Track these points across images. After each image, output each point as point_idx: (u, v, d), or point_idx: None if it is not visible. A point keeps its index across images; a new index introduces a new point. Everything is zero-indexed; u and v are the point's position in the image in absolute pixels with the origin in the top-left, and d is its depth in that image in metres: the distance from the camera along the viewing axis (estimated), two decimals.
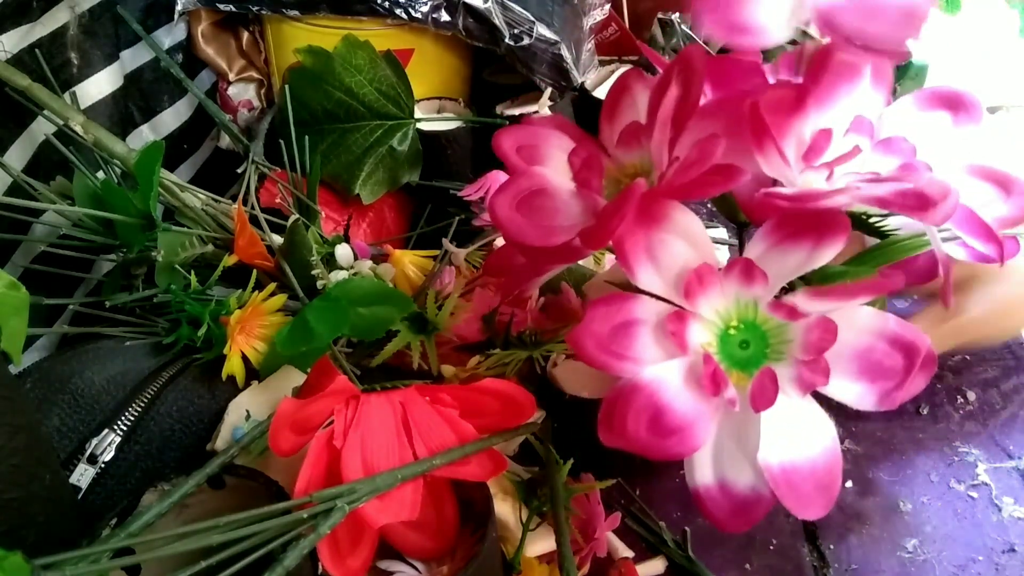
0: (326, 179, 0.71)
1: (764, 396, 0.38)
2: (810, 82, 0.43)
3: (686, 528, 0.51)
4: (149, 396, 0.50)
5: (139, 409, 0.49)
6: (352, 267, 0.59)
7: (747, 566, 0.50)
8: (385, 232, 0.73)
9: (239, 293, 0.53)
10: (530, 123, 0.49)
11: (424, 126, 0.73)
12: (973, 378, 0.61)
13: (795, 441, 0.38)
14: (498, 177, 0.65)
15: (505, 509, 0.51)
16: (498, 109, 0.79)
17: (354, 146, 0.71)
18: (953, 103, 0.44)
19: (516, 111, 0.78)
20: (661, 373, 0.39)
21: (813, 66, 0.43)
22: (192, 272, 0.54)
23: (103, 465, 0.47)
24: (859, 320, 0.39)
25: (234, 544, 0.35)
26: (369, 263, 0.60)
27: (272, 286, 0.53)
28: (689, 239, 0.40)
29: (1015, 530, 0.50)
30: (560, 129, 0.48)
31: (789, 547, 0.51)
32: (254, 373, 0.53)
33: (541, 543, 0.51)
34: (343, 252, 0.59)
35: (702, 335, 0.40)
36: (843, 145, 0.42)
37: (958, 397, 0.60)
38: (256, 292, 0.53)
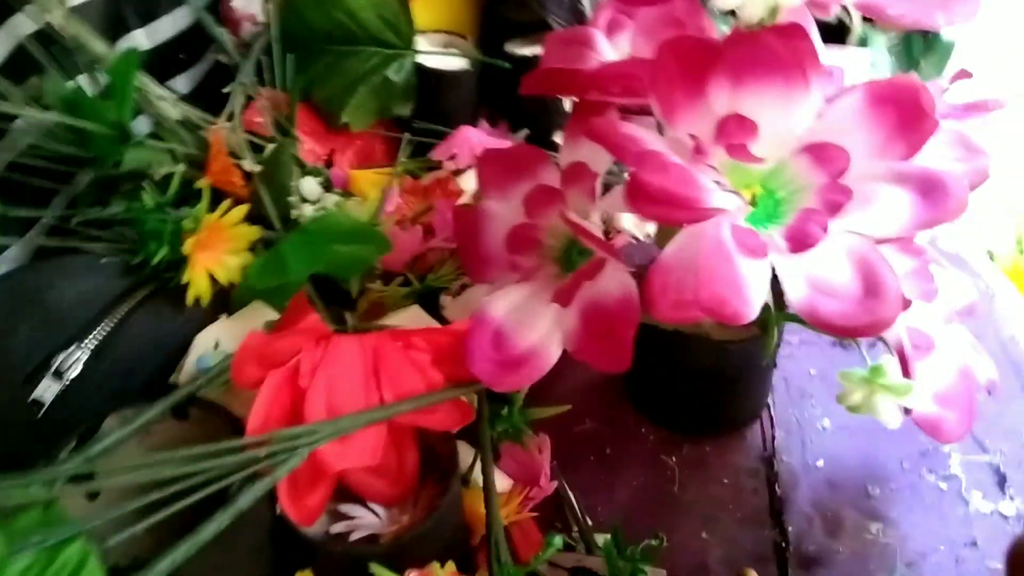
0: (317, 103, 0.69)
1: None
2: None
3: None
4: (120, 315, 0.49)
5: (109, 328, 0.48)
6: (318, 200, 0.57)
7: (704, 535, 0.50)
8: (374, 163, 0.71)
9: (192, 213, 0.51)
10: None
11: (427, 62, 0.70)
12: None
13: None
14: (467, 135, 0.65)
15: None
16: (507, 47, 0.76)
17: (349, 71, 0.69)
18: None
19: (526, 51, 0.76)
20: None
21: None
22: (145, 189, 0.52)
23: (68, 382, 0.46)
24: None
25: (190, 477, 0.35)
26: (335, 198, 0.58)
27: (228, 202, 0.51)
28: None
29: (979, 525, 0.50)
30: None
31: (752, 521, 0.51)
32: (225, 305, 0.52)
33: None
34: (309, 186, 0.57)
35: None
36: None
37: None
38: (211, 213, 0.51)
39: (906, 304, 0.43)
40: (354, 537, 0.42)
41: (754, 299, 0.37)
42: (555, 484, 0.50)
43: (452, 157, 0.68)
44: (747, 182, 0.41)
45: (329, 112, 0.70)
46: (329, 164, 0.70)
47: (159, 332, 0.50)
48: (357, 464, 0.41)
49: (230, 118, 0.62)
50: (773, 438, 0.55)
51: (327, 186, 0.63)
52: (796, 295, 0.38)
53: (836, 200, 0.39)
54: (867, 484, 0.52)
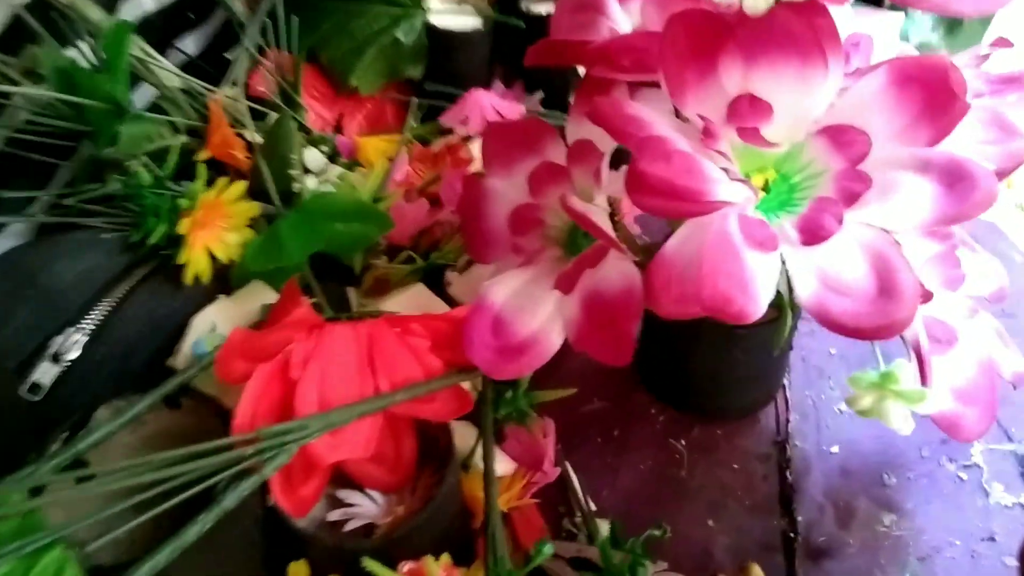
0: (324, 65, 0.67)
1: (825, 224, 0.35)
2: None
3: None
4: (119, 295, 0.48)
5: (108, 309, 0.48)
6: (323, 172, 0.55)
7: (710, 523, 0.49)
8: (384, 127, 0.69)
9: (188, 190, 0.50)
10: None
11: (438, 22, 0.68)
12: None
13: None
14: (478, 99, 0.62)
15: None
16: (522, 4, 0.73)
17: (357, 32, 0.66)
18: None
19: (542, 8, 0.72)
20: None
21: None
22: (140, 165, 0.51)
23: (67, 364, 0.46)
24: None
25: (175, 478, 0.34)
26: (340, 169, 0.56)
27: (223, 180, 0.50)
28: None
29: (999, 518, 0.48)
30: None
31: (761, 510, 0.49)
32: (225, 285, 0.51)
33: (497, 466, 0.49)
34: (313, 157, 0.55)
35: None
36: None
37: None
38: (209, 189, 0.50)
39: (927, 297, 0.41)
40: (350, 527, 0.42)
41: (761, 296, 0.35)
42: (558, 470, 0.49)
43: (464, 121, 0.65)
44: (760, 166, 0.39)
45: (337, 75, 0.68)
46: (338, 130, 0.68)
47: (159, 312, 0.49)
48: (350, 456, 0.40)
49: (235, 84, 0.61)
50: (787, 421, 0.53)
51: (333, 155, 0.62)
52: (806, 291, 0.36)
53: (854, 189, 0.37)
54: (883, 472, 0.50)
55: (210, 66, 0.69)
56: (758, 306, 0.35)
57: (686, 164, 0.35)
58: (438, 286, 0.56)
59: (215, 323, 0.48)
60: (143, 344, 0.48)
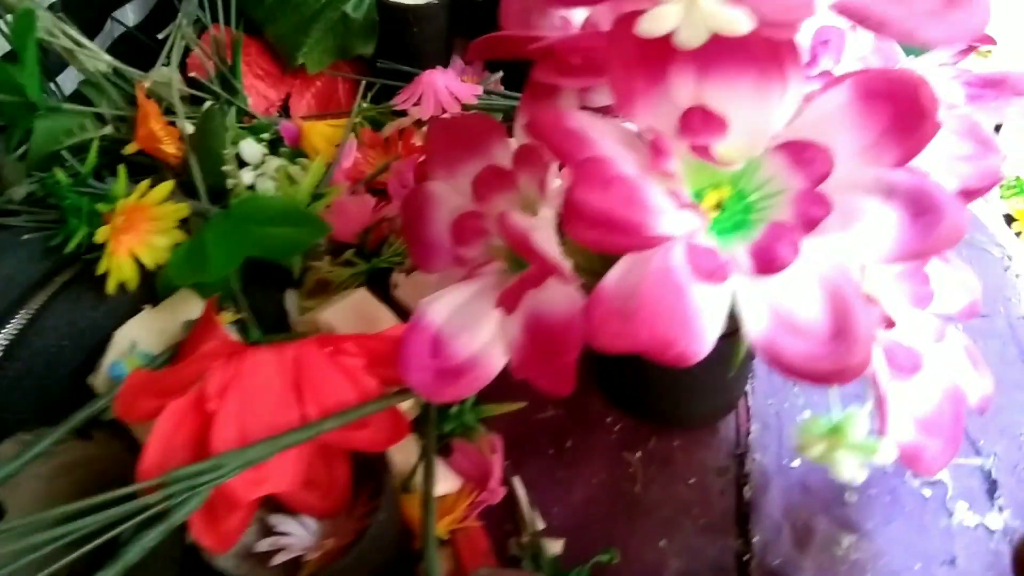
0: (270, 41, 0.63)
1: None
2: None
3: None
4: (37, 305, 0.45)
5: (24, 321, 0.45)
6: (260, 165, 0.52)
7: (663, 543, 0.47)
8: (335, 107, 0.66)
9: (109, 192, 0.46)
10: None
11: None
12: None
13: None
14: (432, 80, 0.57)
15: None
16: None
17: (303, 6, 0.62)
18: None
19: None
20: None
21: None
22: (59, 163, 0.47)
23: None
24: None
25: (72, 533, 0.32)
26: (280, 161, 0.53)
27: (146, 183, 0.46)
28: None
29: (961, 540, 0.46)
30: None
31: (717, 528, 0.47)
32: (151, 294, 0.47)
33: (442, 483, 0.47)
34: (250, 148, 0.52)
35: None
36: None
37: None
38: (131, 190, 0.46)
39: (890, 324, 0.39)
40: (279, 559, 0.40)
41: (707, 334, 0.32)
42: (505, 491, 0.47)
43: (417, 103, 0.62)
44: (715, 182, 0.36)
45: (283, 52, 0.64)
46: (285, 111, 0.64)
47: (81, 323, 0.46)
48: (272, 491, 0.38)
49: (169, 65, 0.57)
50: (748, 432, 0.51)
51: (276, 141, 0.58)
52: (756, 328, 0.33)
53: (813, 213, 0.34)
54: (844, 489, 0.48)
55: (150, 41, 0.65)
56: (703, 346, 0.32)
57: (626, 193, 0.32)
58: (385, 286, 0.53)
59: (137, 340, 0.45)
60: (64, 359, 0.45)
